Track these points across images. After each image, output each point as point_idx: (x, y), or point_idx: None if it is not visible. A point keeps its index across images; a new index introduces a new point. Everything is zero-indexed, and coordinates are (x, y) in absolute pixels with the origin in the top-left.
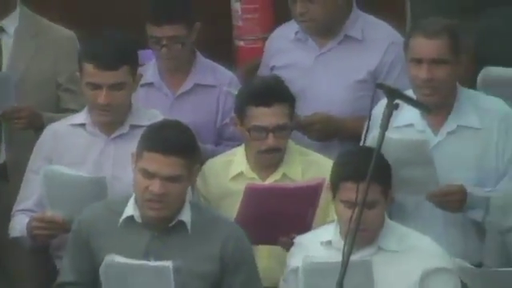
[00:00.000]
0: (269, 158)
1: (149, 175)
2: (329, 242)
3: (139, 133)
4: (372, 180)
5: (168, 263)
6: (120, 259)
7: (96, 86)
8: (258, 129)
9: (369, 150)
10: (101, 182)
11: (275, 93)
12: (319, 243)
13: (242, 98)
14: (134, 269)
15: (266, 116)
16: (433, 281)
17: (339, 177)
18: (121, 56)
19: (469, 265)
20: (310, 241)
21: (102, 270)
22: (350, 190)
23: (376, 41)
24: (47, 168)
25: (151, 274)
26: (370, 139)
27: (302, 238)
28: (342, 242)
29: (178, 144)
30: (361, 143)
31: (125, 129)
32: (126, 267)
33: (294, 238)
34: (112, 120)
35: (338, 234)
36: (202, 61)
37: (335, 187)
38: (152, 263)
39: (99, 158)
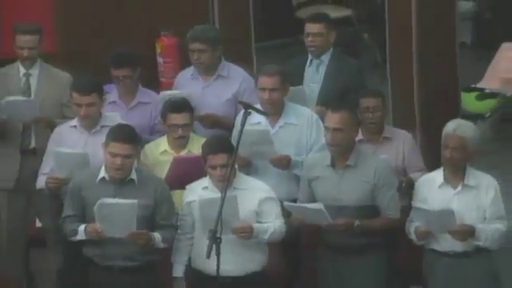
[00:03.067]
0: (180, 142)
1: (113, 155)
2: (206, 187)
3: (106, 130)
4: (227, 153)
5: (135, 200)
6: (109, 200)
7: (79, 105)
8: (173, 126)
9: (220, 137)
10: (84, 155)
11: (182, 105)
12: (201, 188)
13: (165, 108)
14: (115, 205)
15: (177, 118)
16: (264, 204)
17: (205, 152)
18: (92, 87)
19: (290, 203)
20: (196, 186)
21: (95, 207)
22: (211, 159)
23: (235, 77)
24: (56, 150)
25: (125, 208)
26: (235, 131)
27: (192, 184)
28: (214, 187)
29: (128, 136)
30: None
31: (98, 128)
32: (112, 205)
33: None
34: (90, 123)
35: (211, 183)
36: (142, 88)
37: (205, 158)
38: (124, 200)
39: (84, 144)
